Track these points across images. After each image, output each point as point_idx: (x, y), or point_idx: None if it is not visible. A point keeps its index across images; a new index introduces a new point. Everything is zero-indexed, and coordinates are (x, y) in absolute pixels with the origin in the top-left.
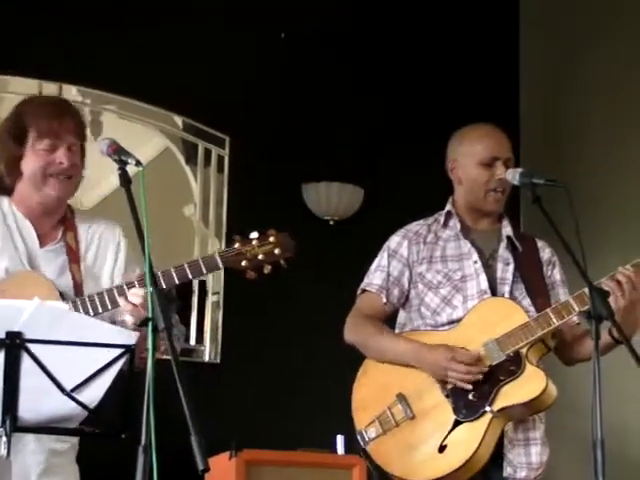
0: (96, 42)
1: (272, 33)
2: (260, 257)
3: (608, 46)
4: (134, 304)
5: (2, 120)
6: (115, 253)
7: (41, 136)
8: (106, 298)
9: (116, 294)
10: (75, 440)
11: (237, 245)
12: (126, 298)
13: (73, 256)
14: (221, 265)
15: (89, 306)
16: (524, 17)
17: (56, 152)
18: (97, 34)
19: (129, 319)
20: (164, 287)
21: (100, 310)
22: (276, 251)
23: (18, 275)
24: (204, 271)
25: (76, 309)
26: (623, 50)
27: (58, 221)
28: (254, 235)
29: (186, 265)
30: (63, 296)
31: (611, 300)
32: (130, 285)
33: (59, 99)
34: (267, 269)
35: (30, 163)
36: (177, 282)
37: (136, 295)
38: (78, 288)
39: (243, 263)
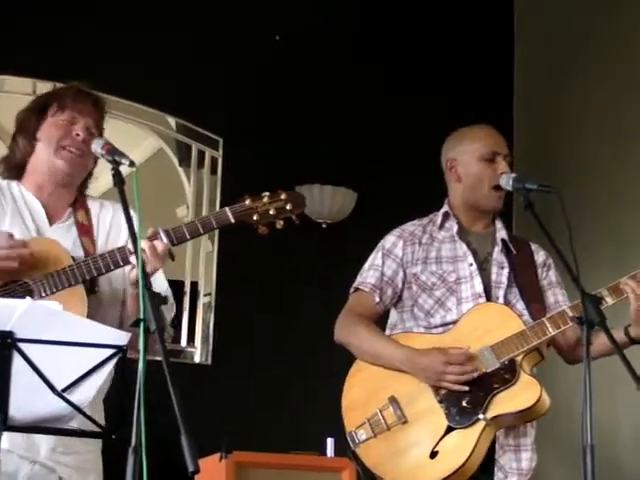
0: (91, 42)
1: (266, 35)
2: (271, 212)
3: (603, 45)
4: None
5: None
6: (126, 241)
7: (63, 109)
8: (117, 255)
9: (127, 251)
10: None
11: (248, 201)
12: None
13: (84, 230)
14: (232, 219)
15: (101, 264)
16: (519, 17)
17: (74, 125)
18: (92, 34)
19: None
20: (175, 243)
21: (112, 267)
22: (287, 206)
23: (29, 242)
24: (214, 225)
25: (87, 268)
26: (618, 48)
27: (69, 203)
28: (265, 194)
29: (197, 221)
30: (75, 259)
31: (632, 299)
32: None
33: (86, 86)
34: (279, 224)
35: (49, 130)
36: (189, 238)
37: (145, 246)
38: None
39: (255, 217)
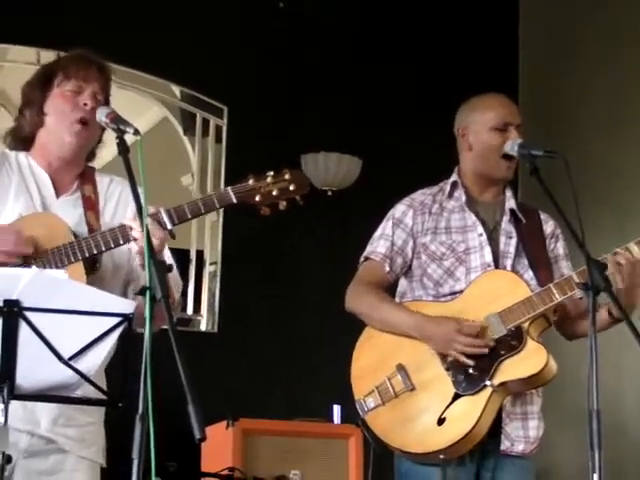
0: (94, 10)
1: (271, 3)
2: (274, 193)
3: (607, 14)
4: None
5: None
6: (135, 212)
7: (68, 78)
8: (117, 232)
9: (127, 227)
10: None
11: (251, 181)
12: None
13: (90, 204)
14: (234, 199)
15: (101, 241)
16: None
17: (81, 95)
18: (96, 2)
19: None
20: (176, 222)
21: (112, 245)
22: (291, 187)
23: (31, 217)
24: (217, 205)
25: (87, 245)
26: (623, 20)
27: (77, 175)
28: (269, 173)
29: (199, 200)
30: (76, 236)
31: (618, 280)
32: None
33: (89, 53)
34: (282, 205)
35: (56, 102)
36: (190, 217)
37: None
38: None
39: (257, 198)
